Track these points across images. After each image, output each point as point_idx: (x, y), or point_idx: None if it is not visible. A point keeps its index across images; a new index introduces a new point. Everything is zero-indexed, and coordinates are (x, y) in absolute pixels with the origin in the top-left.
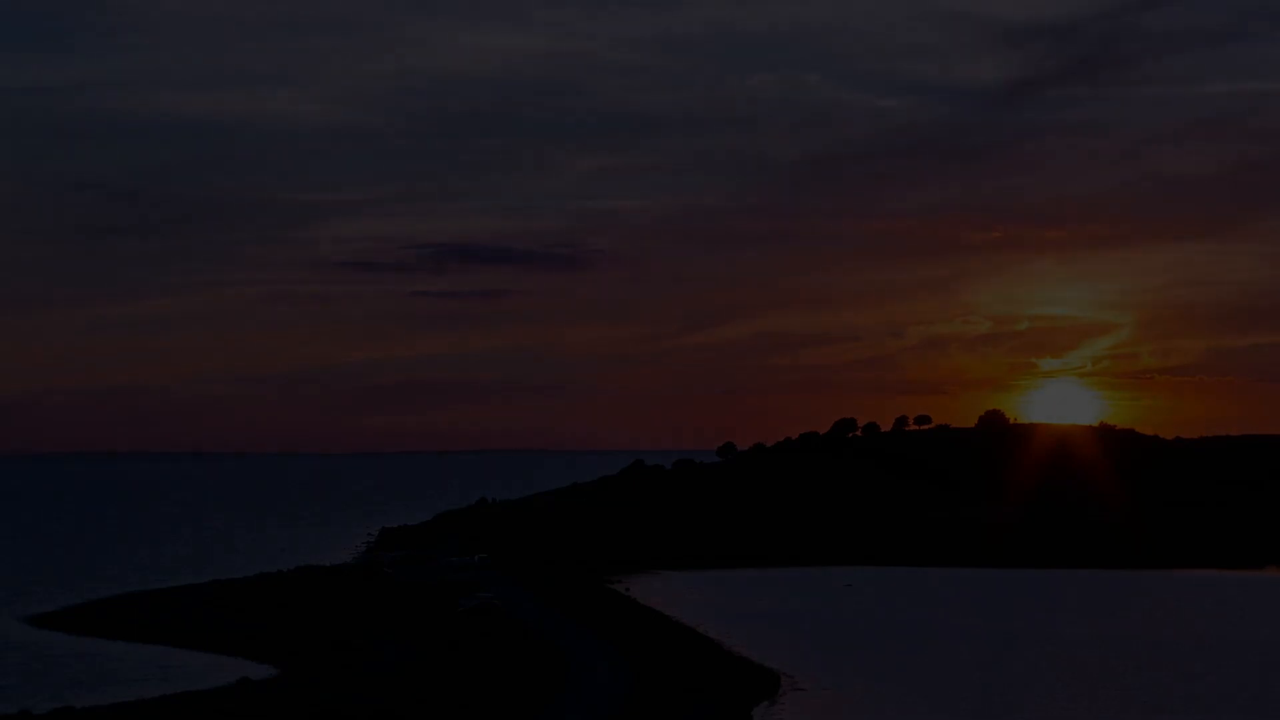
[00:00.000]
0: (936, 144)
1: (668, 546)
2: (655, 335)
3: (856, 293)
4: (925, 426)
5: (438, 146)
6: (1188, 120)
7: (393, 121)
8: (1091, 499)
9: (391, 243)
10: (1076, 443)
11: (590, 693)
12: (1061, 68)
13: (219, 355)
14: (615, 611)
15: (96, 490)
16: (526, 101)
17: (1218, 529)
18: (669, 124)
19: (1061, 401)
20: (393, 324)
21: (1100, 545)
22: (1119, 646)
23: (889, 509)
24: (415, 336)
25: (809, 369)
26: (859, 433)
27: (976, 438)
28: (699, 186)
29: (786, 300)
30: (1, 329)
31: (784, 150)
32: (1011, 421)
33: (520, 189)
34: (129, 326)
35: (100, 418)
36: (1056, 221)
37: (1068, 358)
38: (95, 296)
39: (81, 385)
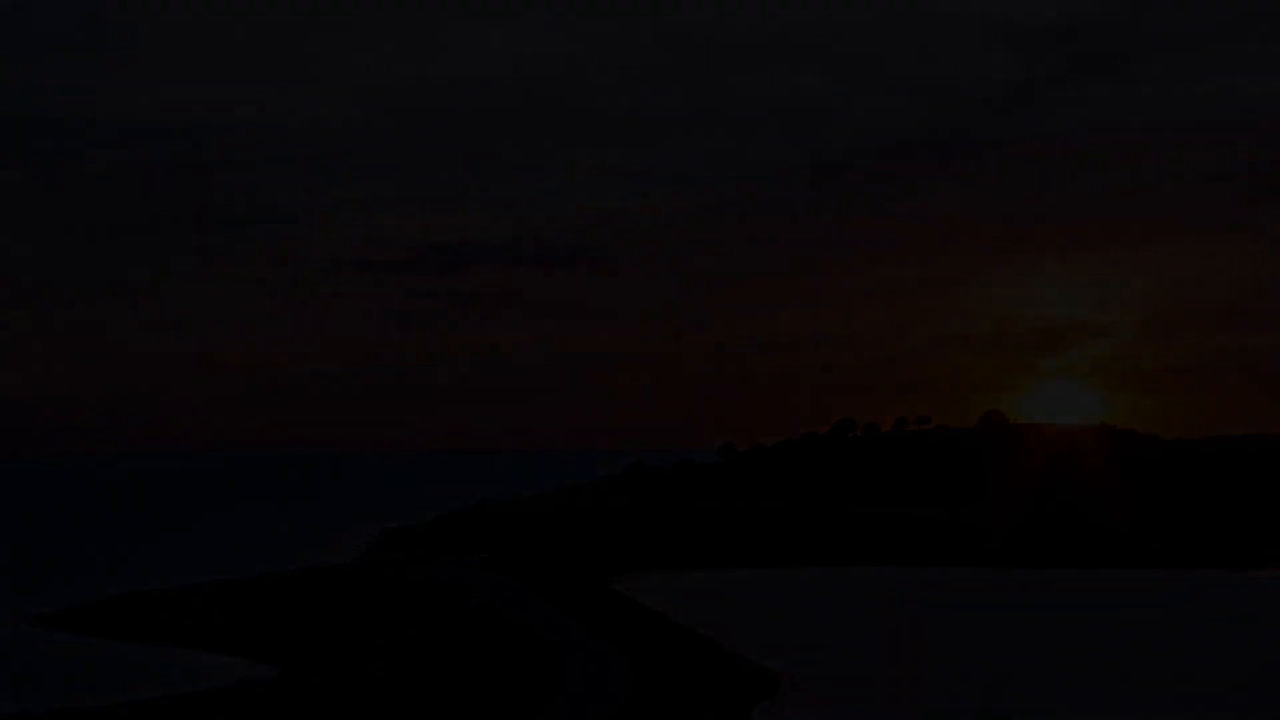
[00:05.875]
0: (937, 144)
1: (668, 546)
2: (655, 335)
3: (856, 293)
4: (925, 426)
5: (438, 146)
6: (1188, 120)
7: (393, 121)
8: (1091, 499)
9: (391, 243)
10: (1076, 443)
11: (590, 693)
12: (1062, 68)
13: (217, 355)
14: (615, 611)
15: (96, 490)
16: (527, 101)
17: (1218, 529)
18: (669, 124)
19: (1061, 401)
20: (393, 324)
21: (1100, 545)
22: (1119, 646)
23: (889, 509)
24: (415, 336)
25: (809, 369)
26: (859, 433)
27: (976, 438)
28: (699, 186)
29: (787, 300)
30: (1, 329)
31: (784, 150)
32: (1011, 421)
33: (521, 189)
34: (128, 327)
35: (99, 418)
36: (1056, 221)
37: (1068, 358)
38: (94, 297)
39: (81, 385)
